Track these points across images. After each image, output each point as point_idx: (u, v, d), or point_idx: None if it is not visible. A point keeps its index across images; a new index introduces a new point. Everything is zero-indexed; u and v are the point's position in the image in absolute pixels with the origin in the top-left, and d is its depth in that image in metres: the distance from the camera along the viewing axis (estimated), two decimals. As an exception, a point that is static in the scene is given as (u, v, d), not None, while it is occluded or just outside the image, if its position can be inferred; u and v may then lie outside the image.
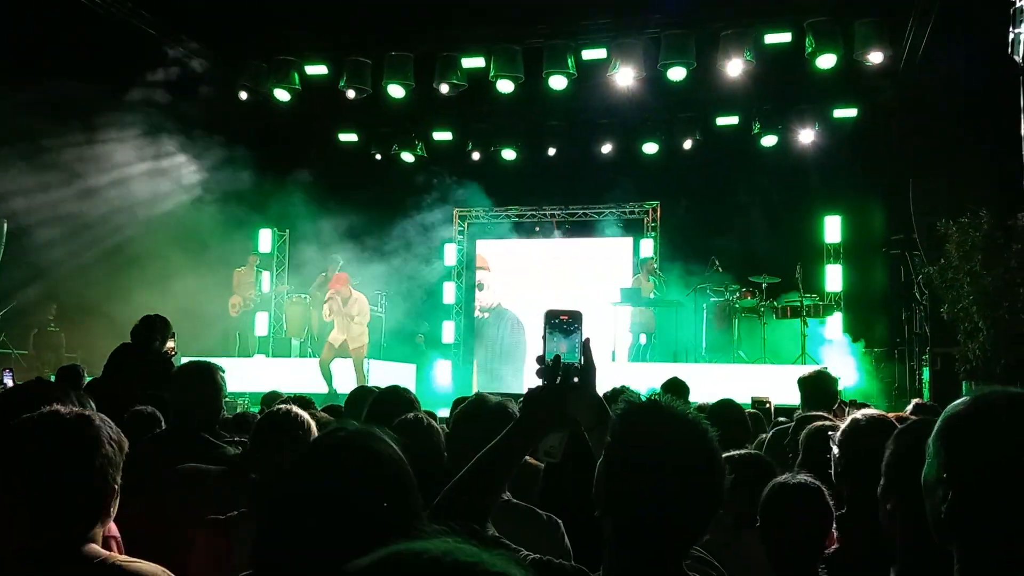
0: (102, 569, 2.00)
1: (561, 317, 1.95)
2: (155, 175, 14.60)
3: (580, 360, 1.92)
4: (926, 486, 1.54)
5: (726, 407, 4.94)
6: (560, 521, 2.69)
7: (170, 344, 7.31)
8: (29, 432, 2.05)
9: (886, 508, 2.24)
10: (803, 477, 2.71)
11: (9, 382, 5.93)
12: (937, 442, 1.53)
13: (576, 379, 1.90)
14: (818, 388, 5.28)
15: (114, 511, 2.09)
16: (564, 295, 16.21)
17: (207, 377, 3.94)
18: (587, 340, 1.95)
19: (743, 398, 8.20)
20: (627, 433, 1.70)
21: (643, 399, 1.81)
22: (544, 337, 1.93)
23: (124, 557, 2.07)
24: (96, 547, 2.03)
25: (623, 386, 5.64)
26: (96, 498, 2.03)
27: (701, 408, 4.72)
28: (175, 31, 14.01)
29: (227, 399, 4.18)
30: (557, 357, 1.90)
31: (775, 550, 2.63)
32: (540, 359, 1.92)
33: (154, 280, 13.86)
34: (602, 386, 2.07)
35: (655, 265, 14.64)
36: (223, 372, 4.04)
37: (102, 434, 2.05)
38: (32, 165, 12.95)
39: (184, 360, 4.33)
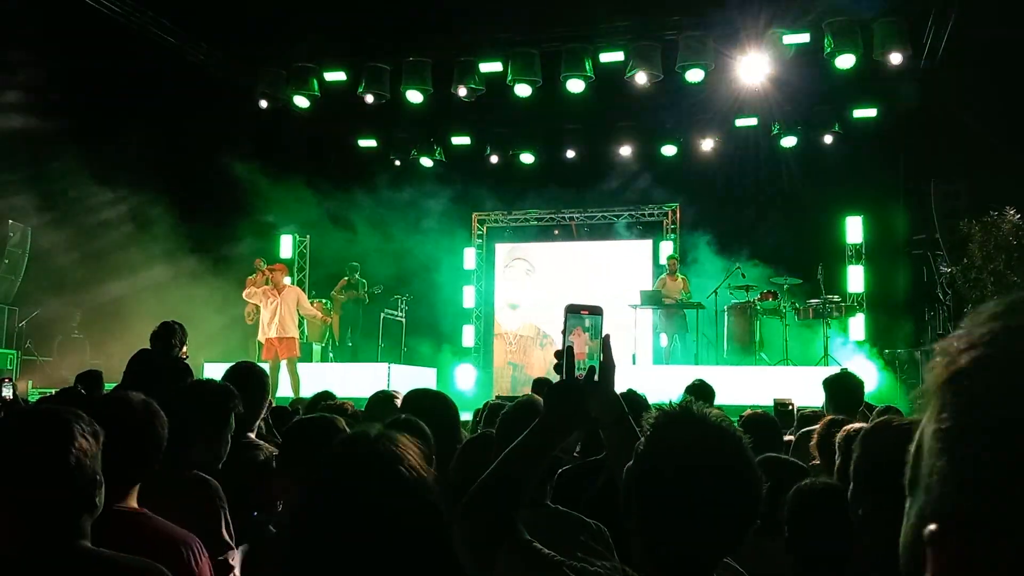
0: (94, 563, 2.01)
1: (582, 312, 1.92)
2: (175, 182, 14.68)
3: (600, 356, 1.90)
4: (916, 458, 1.35)
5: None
6: (606, 529, 2.65)
7: (185, 350, 7.37)
8: (4, 429, 2.10)
9: (858, 514, 2.21)
10: (827, 480, 2.67)
11: (8, 394, 5.94)
12: (940, 392, 1.28)
13: (596, 376, 1.88)
14: (843, 390, 5.23)
15: (100, 502, 2.08)
16: (583, 298, 16.18)
17: (254, 379, 3.96)
18: (607, 336, 1.93)
19: (765, 400, 8.16)
20: (660, 441, 1.66)
21: (673, 405, 1.78)
22: (564, 332, 1.90)
23: (115, 553, 2.07)
24: (86, 543, 2.04)
25: (629, 390, 5.62)
26: (77, 491, 2.02)
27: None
28: (194, 39, 14.11)
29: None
30: (569, 349, 1.87)
31: (801, 559, 2.59)
32: (559, 354, 1.89)
33: (175, 287, 13.97)
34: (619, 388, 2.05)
35: (676, 264, 14.53)
36: (267, 375, 4.08)
37: (74, 427, 2.04)
38: (54, 173, 13.08)
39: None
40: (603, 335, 1.92)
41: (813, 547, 2.55)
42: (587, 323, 1.92)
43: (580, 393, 1.86)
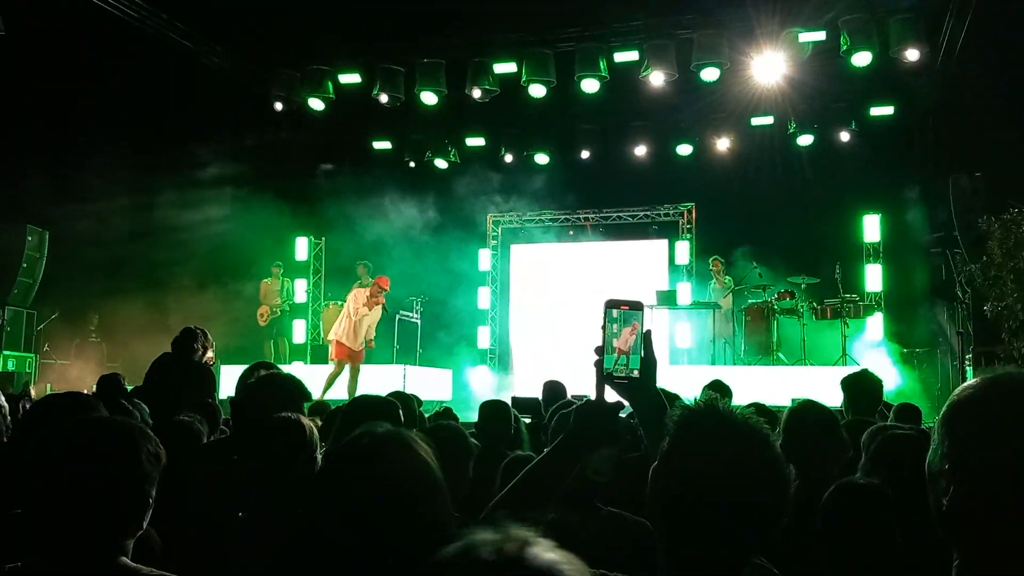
0: None
1: (622, 306, 1.88)
2: (191, 185, 14.75)
3: (641, 352, 1.86)
4: (929, 476, 1.38)
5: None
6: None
7: (209, 354, 7.37)
8: (73, 440, 2.04)
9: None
10: (865, 479, 2.62)
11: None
12: (941, 428, 1.36)
13: (636, 372, 1.84)
14: (862, 389, 5.16)
15: (145, 524, 2.07)
16: (599, 299, 16.15)
17: (290, 389, 3.91)
18: (648, 332, 1.89)
19: (783, 400, 8.11)
20: (685, 439, 1.63)
21: (698, 403, 1.72)
22: (604, 328, 1.86)
23: (154, 571, 2.04)
24: (127, 560, 2.02)
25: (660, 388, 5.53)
26: (132, 511, 2.02)
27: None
28: (208, 42, 14.16)
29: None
30: (608, 375, 1.83)
31: (837, 555, 2.54)
32: (599, 350, 1.86)
33: (192, 290, 14.03)
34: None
35: (720, 265, 14.45)
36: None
37: (142, 448, 2.04)
38: (72, 178, 13.16)
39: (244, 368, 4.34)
40: (645, 330, 1.88)
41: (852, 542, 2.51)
42: (627, 318, 1.87)
43: (608, 413, 1.83)
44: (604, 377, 1.83)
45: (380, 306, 12.33)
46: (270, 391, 3.40)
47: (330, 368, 12.28)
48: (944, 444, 1.35)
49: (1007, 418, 1.30)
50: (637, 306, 1.89)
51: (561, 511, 2.44)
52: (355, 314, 12.14)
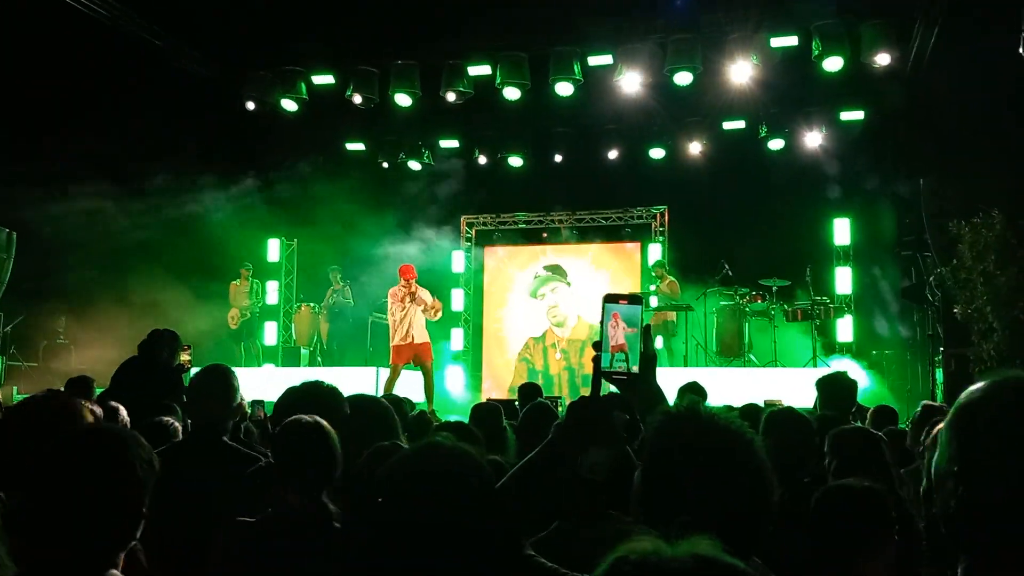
0: None
1: (619, 301, 1.86)
2: (164, 186, 14.61)
3: (641, 347, 1.84)
4: (936, 478, 1.39)
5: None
6: None
7: (185, 357, 7.33)
8: (71, 449, 2.01)
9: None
10: (856, 480, 2.63)
11: None
12: (948, 430, 1.37)
13: (636, 368, 1.83)
14: (836, 390, 5.21)
15: (138, 535, 2.04)
16: (573, 301, 16.23)
17: (219, 377, 3.88)
18: (647, 327, 1.87)
19: (755, 401, 8.15)
20: (666, 445, 1.62)
21: (679, 407, 1.70)
22: (602, 323, 1.84)
23: None
24: (117, 573, 1.99)
25: (694, 381, 5.62)
26: (126, 522, 1.99)
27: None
28: (181, 43, 14.03)
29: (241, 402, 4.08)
30: (606, 372, 1.82)
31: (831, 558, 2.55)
32: (597, 345, 1.84)
33: (162, 292, 13.88)
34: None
35: (662, 270, 14.56)
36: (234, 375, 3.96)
37: (136, 455, 2.01)
38: (40, 178, 12.99)
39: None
40: (644, 324, 1.86)
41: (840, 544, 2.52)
42: (625, 312, 1.85)
43: (599, 409, 1.81)
44: (601, 373, 1.81)
45: (412, 296, 11.80)
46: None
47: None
48: (951, 446, 1.36)
49: (1014, 419, 1.31)
50: (636, 300, 1.88)
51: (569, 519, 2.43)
52: (399, 313, 11.84)
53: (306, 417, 2.74)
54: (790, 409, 3.95)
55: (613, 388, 1.88)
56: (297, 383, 3.40)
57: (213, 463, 3.51)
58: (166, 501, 2.62)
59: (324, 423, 2.72)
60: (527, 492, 1.81)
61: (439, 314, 12.32)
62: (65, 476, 1.95)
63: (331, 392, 3.33)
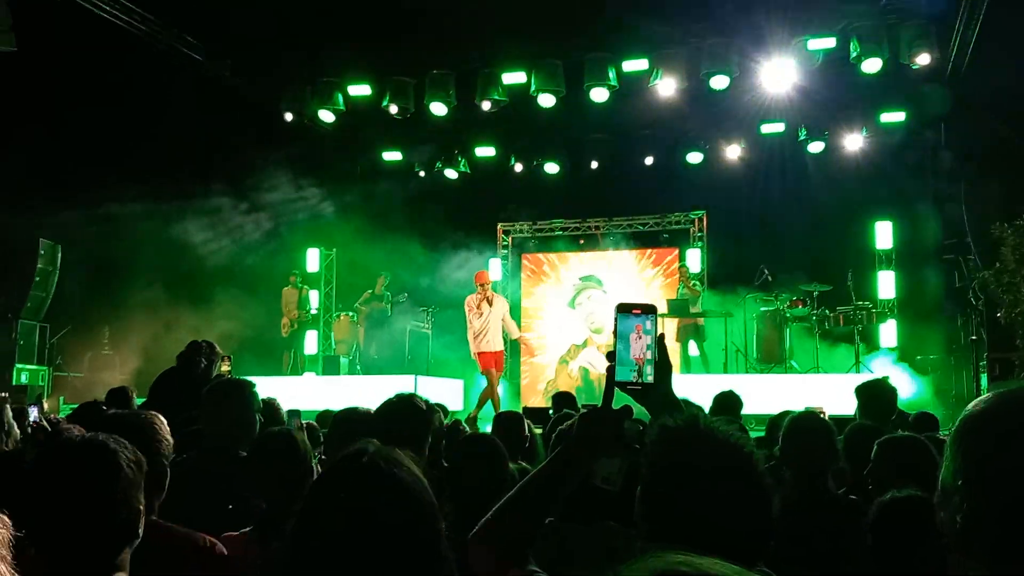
0: None
1: (633, 311, 1.84)
2: (201, 198, 14.80)
3: (656, 357, 1.82)
4: (943, 492, 1.36)
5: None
6: None
7: (225, 368, 7.38)
8: (48, 464, 2.07)
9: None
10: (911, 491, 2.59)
11: (35, 417, 5.93)
12: (953, 444, 1.35)
13: (651, 379, 1.80)
14: (875, 397, 5.14)
15: (141, 531, 2.07)
16: (610, 308, 16.14)
17: (234, 394, 3.86)
18: (662, 336, 1.85)
19: (796, 409, 8.06)
20: (662, 461, 1.60)
21: (676, 422, 1.68)
22: (615, 332, 1.82)
23: None
24: (124, 575, 2.02)
25: (730, 391, 5.58)
26: (122, 522, 2.02)
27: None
28: (219, 56, 14.21)
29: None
30: (620, 383, 1.80)
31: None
32: (610, 355, 1.82)
33: (205, 303, 14.07)
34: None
35: (687, 274, 14.51)
36: (254, 387, 3.92)
37: (120, 457, 2.04)
38: (84, 192, 13.21)
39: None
40: (658, 334, 1.84)
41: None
42: (639, 323, 1.83)
43: (612, 419, 1.78)
44: (615, 383, 1.80)
45: (488, 301, 11.73)
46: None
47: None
48: (957, 460, 1.34)
49: (1019, 432, 1.29)
50: (650, 310, 1.85)
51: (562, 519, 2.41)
52: (477, 322, 11.76)
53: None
54: (812, 415, 3.97)
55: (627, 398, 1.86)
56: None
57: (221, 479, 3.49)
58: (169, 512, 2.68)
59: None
60: (534, 502, 1.80)
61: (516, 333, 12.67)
62: (55, 489, 2.00)
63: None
